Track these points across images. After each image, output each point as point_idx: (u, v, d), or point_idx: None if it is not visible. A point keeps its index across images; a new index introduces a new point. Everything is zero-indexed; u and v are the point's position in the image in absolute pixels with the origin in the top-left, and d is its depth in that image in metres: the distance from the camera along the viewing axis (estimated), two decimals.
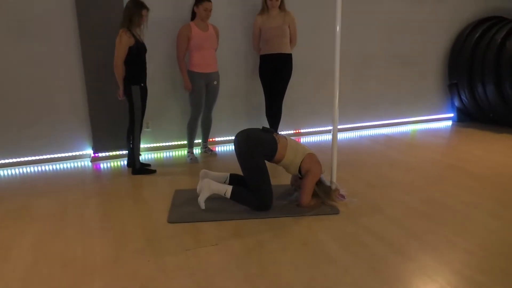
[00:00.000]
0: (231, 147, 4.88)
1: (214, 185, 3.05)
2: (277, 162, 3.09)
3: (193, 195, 3.29)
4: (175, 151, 4.79)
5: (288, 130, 5.29)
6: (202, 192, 3.06)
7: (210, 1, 4.14)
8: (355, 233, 2.65)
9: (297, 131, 5.38)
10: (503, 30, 5.18)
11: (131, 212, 3.05)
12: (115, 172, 4.07)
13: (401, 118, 5.85)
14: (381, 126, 5.74)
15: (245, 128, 3.19)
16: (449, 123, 5.89)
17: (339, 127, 4.80)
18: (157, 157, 4.58)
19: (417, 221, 2.81)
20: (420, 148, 4.71)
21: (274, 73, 4.49)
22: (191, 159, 4.38)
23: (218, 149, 4.81)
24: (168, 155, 4.66)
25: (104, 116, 4.38)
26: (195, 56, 4.20)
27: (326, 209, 3.05)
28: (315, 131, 5.40)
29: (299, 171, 3.11)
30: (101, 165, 4.32)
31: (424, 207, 3.04)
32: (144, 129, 4.63)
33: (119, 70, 3.70)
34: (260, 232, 2.69)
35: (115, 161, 4.46)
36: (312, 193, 3.11)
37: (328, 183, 3.24)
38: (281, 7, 4.41)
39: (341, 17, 2.96)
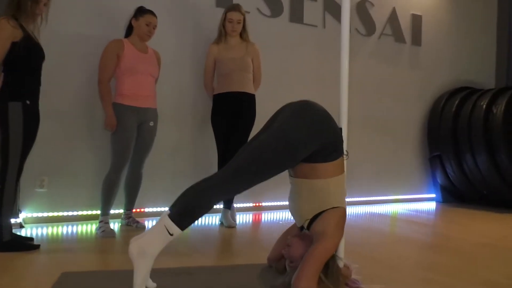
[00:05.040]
0: None
1: (147, 240, 1.72)
2: (307, 175, 1.87)
3: (95, 280, 1.82)
4: (84, 225, 3.25)
5: (244, 203, 3.99)
6: (136, 270, 1.70)
7: (155, 16, 3.10)
8: None
9: (256, 204, 4.09)
10: (486, 96, 4.61)
11: None
12: None
13: (378, 196, 4.82)
14: (360, 204, 4.64)
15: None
16: (433, 204, 4.94)
17: None
18: (51, 233, 3.00)
19: None
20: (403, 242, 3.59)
21: (233, 119, 3.35)
22: (103, 231, 2.88)
23: (149, 224, 3.33)
24: (70, 230, 3.10)
25: None
26: (126, 82, 3.00)
27: None
28: (280, 205, 4.13)
29: (309, 225, 1.89)
30: None
31: None
32: (36, 189, 3.13)
33: None
34: None
35: None
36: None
37: (340, 263, 1.97)
38: (243, 36, 3.46)
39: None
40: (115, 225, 3.17)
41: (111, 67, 2.98)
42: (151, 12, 3.07)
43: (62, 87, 3.23)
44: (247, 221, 3.65)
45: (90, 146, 3.34)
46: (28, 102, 2.41)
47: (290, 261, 1.93)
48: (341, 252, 2.03)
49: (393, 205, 4.69)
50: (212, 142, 3.50)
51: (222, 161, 3.39)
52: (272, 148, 1.77)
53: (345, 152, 1.95)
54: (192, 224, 1.80)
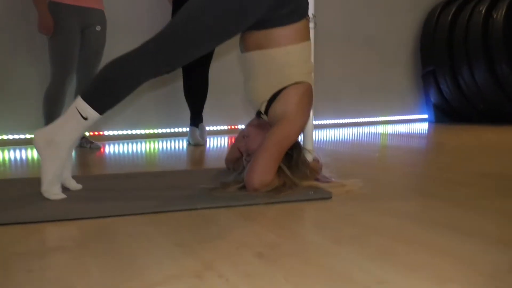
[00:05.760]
0: (126, 146, 3.07)
1: (55, 126, 1.35)
2: (261, 45, 1.46)
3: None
4: (30, 149, 2.87)
5: (219, 126, 3.63)
6: (43, 162, 1.34)
7: None
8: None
9: (232, 127, 3.73)
10: (485, 0, 4.13)
11: None
12: None
13: (366, 117, 4.45)
14: (343, 126, 4.29)
15: None
16: (425, 125, 4.58)
17: None
18: None
19: None
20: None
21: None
22: None
23: (111, 149, 2.93)
24: (14, 156, 2.73)
25: None
26: None
27: (303, 192, 1.38)
28: None
29: (266, 106, 1.50)
30: None
31: None
32: None
33: None
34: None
35: None
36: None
37: (309, 156, 1.62)
38: None
39: None
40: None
41: None
42: None
43: None
44: (222, 144, 3.29)
45: (30, 58, 2.90)
46: None
47: (247, 155, 1.57)
48: (309, 144, 1.67)
49: (381, 127, 4.34)
50: None
51: (188, 81, 3.00)
52: (212, 8, 1.35)
53: (310, 15, 1.52)
54: (112, 107, 1.39)
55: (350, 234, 1.04)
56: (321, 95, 4.13)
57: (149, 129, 3.39)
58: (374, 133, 3.74)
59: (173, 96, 3.38)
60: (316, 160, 1.66)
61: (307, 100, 1.48)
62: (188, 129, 3.08)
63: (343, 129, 4.12)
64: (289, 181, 1.44)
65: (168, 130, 3.46)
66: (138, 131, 3.35)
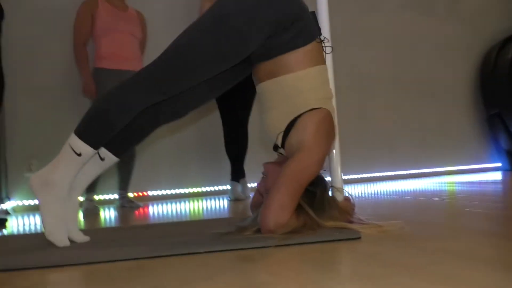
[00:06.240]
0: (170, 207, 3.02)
1: (50, 166, 1.32)
2: (272, 74, 1.35)
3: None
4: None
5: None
6: (41, 205, 1.30)
7: None
8: None
9: None
10: None
11: None
12: None
13: (427, 168, 4.08)
14: (397, 178, 3.95)
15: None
16: (499, 174, 4.08)
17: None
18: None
19: None
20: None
21: (237, 90, 2.87)
22: (86, 209, 2.52)
23: (155, 209, 2.87)
24: None
25: None
26: (103, 43, 2.69)
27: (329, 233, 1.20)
28: None
29: (283, 138, 1.37)
30: None
31: None
32: (24, 174, 2.87)
33: None
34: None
35: None
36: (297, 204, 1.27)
37: (338, 195, 1.45)
38: None
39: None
40: (110, 210, 2.81)
41: (85, 28, 2.68)
42: None
43: (38, 63, 3.02)
44: None
45: (77, 120, 3.04)
46: None
47: (266, 194, 1.42)
48: (337, 181, 1.49)
49: (444, 178, 3.92)
50: (216, 113, 3.07)
51: (229, 134, 2.97)
52: (211, 29, 1.29)
53: (322, 37, 1.41)
54: (107, 139, 1.33)
55: (367, 273, 0.82)
56: (371, 144, 3.91)
57: (192, 187, 3.34)
58: (434, 183, 3.37)
59: (217, 153, 3.33)
60: (347, 200, 1.45)
61: (326, 128, 1.32)
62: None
63: (400, 181, 3.79)
64: (311, 222, 1.26)
65: (213, 188, 3.39)
66: (182, 190, 3.31)
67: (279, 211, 1.23)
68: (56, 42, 3.04)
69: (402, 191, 2.85)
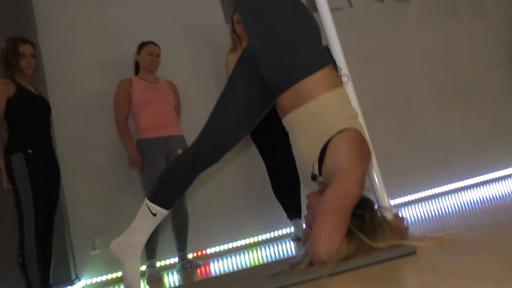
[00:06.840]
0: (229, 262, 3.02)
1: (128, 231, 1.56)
2: (294, 106, 1.40)
3: None
4: (143, 280, 2.97)
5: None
6: (125, 266, 1.52)
7: (156, 44, 3.01)
8: None
9: None
10: None
11: None
12: None
13: (489, 172, 3.84)
14: (464, 188, 3.72)
15: None
16: None
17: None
18: None
19: None
20: None
21: (274, 133, 2.89)
22: (150, 275, 2.57)
23: (216, 267, 2.87)
24: None
25: None
26: (142, 116, 2.88)
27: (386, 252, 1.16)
28: None
29: (319, 167, 1.37)
30: None
31: None
32: (89, 252, 3.01)
33: None
34: None
35: None
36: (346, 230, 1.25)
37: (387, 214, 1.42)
38: None
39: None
40: (173, 274, 2.84)
41: (124, 105, 2.88)
42: (151, 42, 2.99)
43: (92, 143, 3.23)
44: None
45: (134, 195, 3.19)
46: (30, 151, 2.32)
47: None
48: (383, 200, 1.44)
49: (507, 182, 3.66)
50: (257, 156, 3.12)
51: (273, 174, 2.98)
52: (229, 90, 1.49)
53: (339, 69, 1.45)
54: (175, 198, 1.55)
55: (431, 280, 0.78)
56: (424, 162, 3.75)
57: (249, 237, 3.33)
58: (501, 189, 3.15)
59: (267, 199, 3.33)
60: (398, 218, 1.40)
61: (359, 146, 1.31)
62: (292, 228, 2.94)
63: (459, 193, 3.57)
64: (363, 246, 1.22)
65: (269, 235, 3.36)
66: (239, 243, 3.31)
67: (327, 240, 1.20)
68: (100, 122, 3.27)
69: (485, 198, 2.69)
